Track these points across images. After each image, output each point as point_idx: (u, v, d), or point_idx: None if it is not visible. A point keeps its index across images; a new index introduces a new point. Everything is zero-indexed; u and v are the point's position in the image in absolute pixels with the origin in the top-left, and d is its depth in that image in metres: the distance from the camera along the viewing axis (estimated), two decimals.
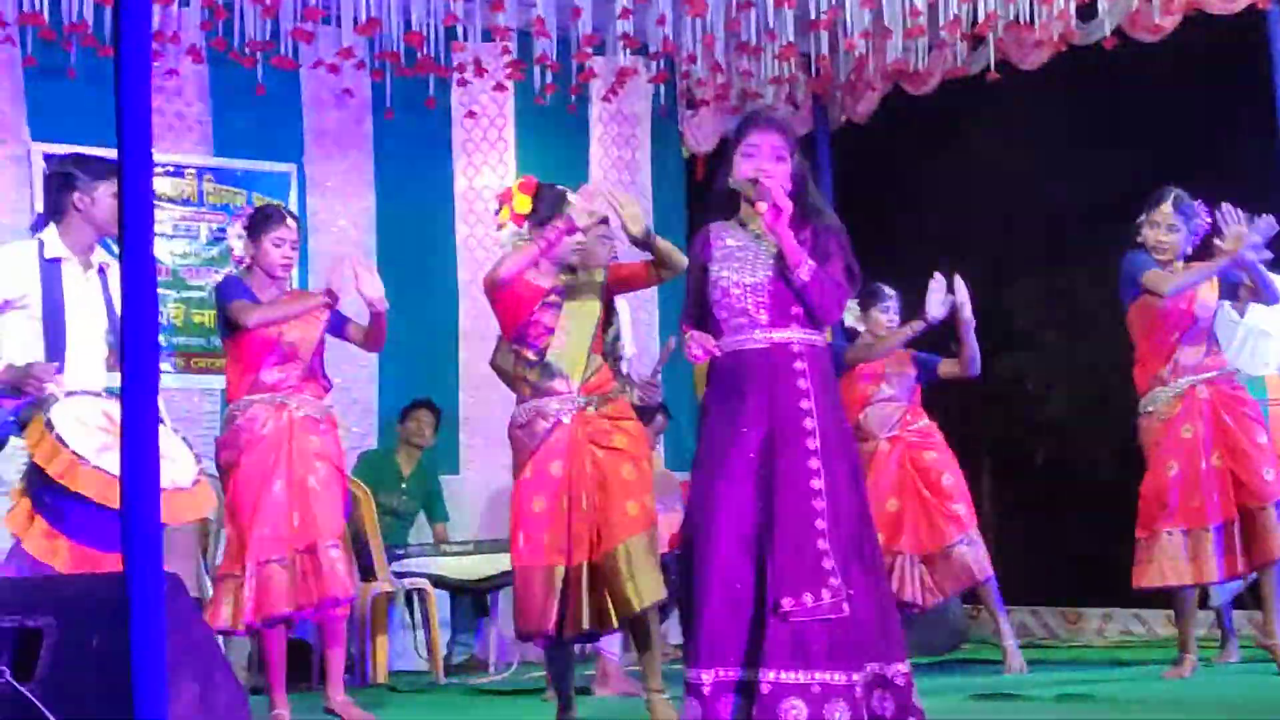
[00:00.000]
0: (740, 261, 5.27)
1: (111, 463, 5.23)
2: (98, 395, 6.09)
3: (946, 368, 8.63)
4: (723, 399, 5.20)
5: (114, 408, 5.08)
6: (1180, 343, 7.40)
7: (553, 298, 6.28)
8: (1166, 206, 7.41)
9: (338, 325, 7.07)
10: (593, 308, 6.34)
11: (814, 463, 5.08)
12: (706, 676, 4.94)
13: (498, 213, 6.59)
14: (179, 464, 6.05)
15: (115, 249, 6.75)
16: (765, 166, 5.25)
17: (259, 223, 6.91)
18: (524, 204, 6.40)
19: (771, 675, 4.90)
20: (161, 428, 5.82)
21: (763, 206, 5.14)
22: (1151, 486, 7.44)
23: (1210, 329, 7.52)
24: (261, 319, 6.69)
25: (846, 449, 5.23)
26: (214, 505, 6.43)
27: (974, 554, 8.32)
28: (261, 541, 6.61)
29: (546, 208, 6.34)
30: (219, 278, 9.49)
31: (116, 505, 4.02)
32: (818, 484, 5.06)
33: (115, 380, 6.04)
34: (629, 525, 6.06)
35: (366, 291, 6.86)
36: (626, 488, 6.11)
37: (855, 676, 4.94)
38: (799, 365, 5.21)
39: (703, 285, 5.32)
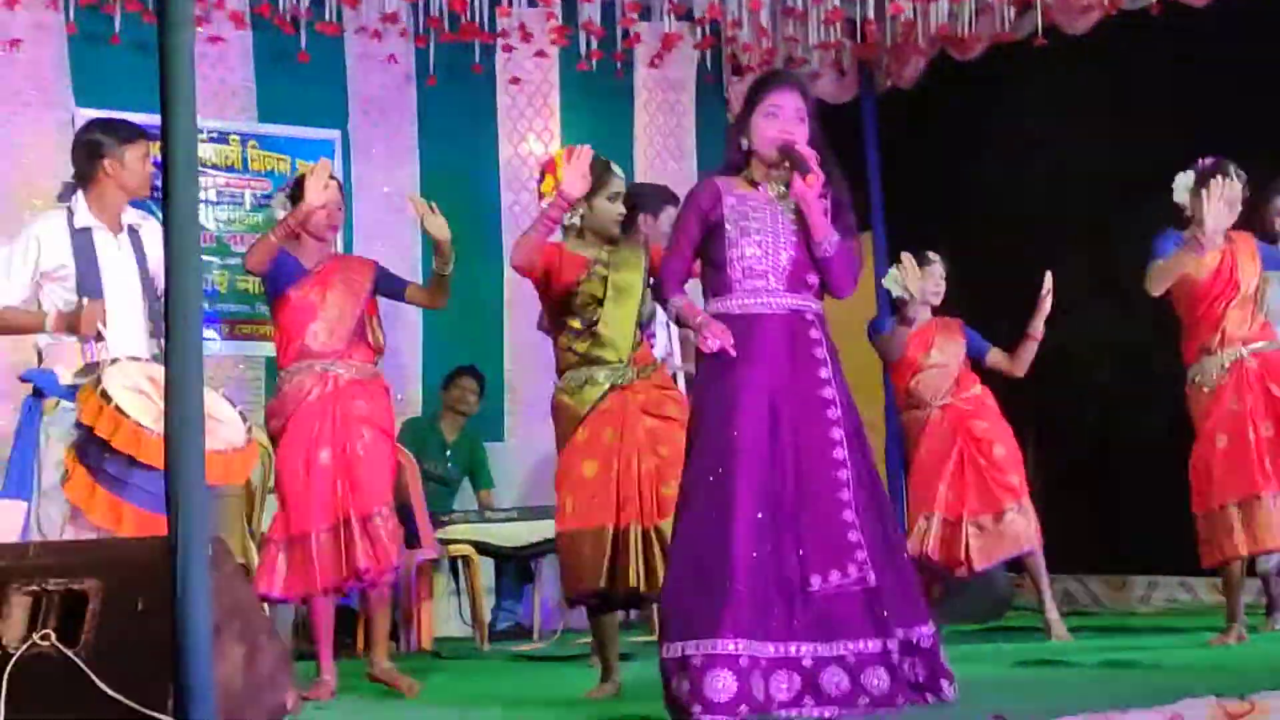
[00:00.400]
0: (760, 226, 5.16)
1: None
2: (143, 361, 6.11)
3: (995, 358, 8.57)
4: (735, 361, 5.05)
5: (160, 373, 5.09)
6: (1226, 313, 7.37)
7: (597, 268, 6.28)
8: (1232, 177, 7.29)
9: (397, 288, 7.09)
10: (636, 280, 6.34)
11: (836, 433, 5.05)
12: (738, 646, 4.77)
13: (540, 181, 6.57)
14: (229, 425, 6.08)
15: (148, 211, 6.85)
16: (790, 128, 5.17)
17: (302, 186, 6.88)
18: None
19: (808, 649, 4.88)
20: (209, 391, 5.90)
21: (801, 175, 5.07)
22: (1201, 460, 7.42)
23: (1256, 297, 7.46)
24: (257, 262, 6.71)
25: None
26: (248, 474, 6.44)
27: (1024, 523, 8.28)
28: (306, 511, 6.63)
29: (592, 178, 6.33)
30: None
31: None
32: (840, 454, 5.03)
33: (157, 346, 6.14)
34: None
35: (431, 230, 6.90)
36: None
37: (889, 643, 4.94)
38: (814, 334, 5.17)
39: (715, 244, 5.18)
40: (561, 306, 6.30)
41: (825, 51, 11.02)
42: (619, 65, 10.69)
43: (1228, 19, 9.64)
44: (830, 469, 5.00)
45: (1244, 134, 7.67)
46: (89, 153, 6.38)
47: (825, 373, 5.10)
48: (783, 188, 5.20)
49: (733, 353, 5.01)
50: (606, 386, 6.22)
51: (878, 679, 4.90)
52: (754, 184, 5.26)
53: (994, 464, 8.34)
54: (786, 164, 5.14)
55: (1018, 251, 10.70)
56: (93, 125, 6.59)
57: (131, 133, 6.40)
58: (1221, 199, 7.23)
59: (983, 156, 11.27)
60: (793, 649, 4.88)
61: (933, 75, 11.01)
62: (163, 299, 3.84)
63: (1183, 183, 7.44)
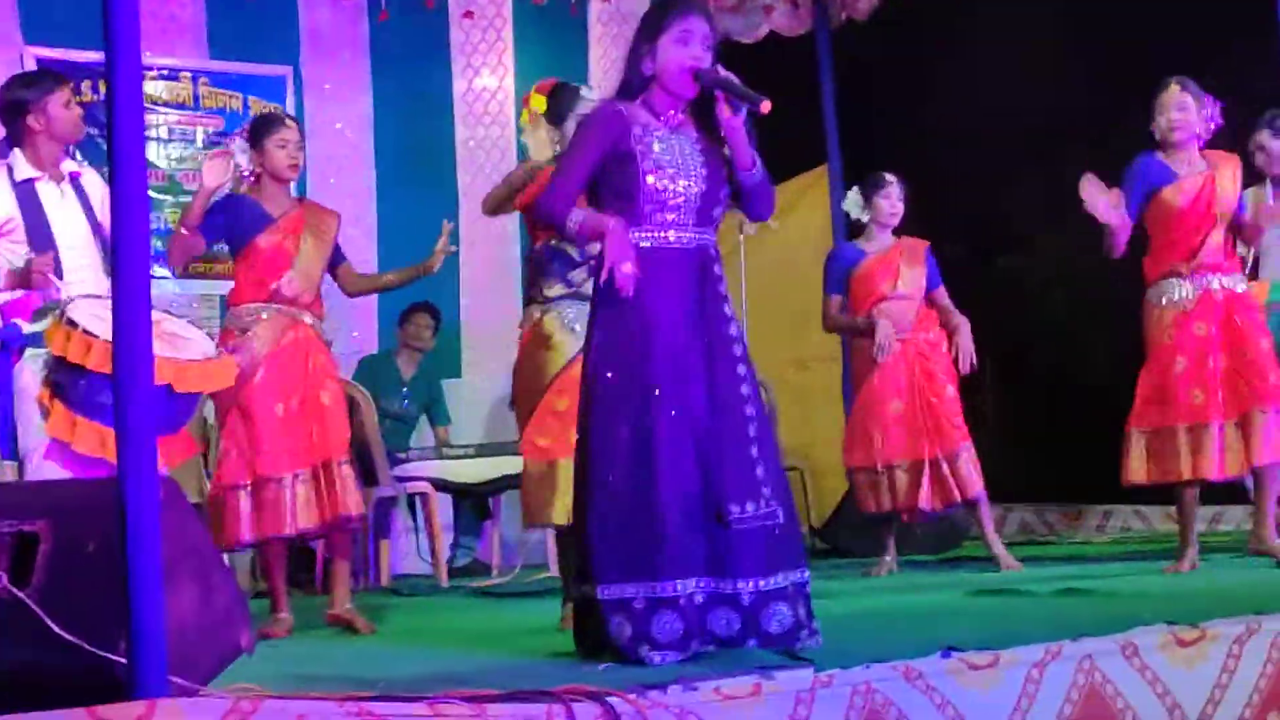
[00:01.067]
0: (670, 159, 4.98)
1: None
2: (104, 298, 6.09)
3: (940, 299, 8.47)
4: (645, 295, 4.90)
5: None
6: (1203, 242, 7.38)
7: None
8: (1173, 86, 7.41)
9: (335, 259, 7.07)
10: None
11: (742, 369, 4.95)
12: (682, 586, 4.75)
13: (518, 117, 6.59)
14: (198, 341, 6.07)
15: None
16: (699, 54, 4.98)
17: (259, 129, 6.88)
18: (540, 103, 6.41)
19: (744, 585, 4.87)
20: (172, 318, 5.88)
21: (735, 104, 4.98)
22: (1154, 379, 7.42)
23: (1230, 226, 7.48)
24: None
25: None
26: (232, 378, 6.36)
27: (974, 464, 8.24)
28: (279, 455, 6.63)
29: (564, 105, 6.34)
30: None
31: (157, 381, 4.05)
32: (747, 390, 4.94)
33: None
34: None
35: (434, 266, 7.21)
36: None
37: (805, 574, 4.93)
38: (718, 270, 5.05)
39: (622, 174, 4.96)
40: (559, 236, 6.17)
41: None
42: None
43: None
44: (739, 405, 4.93)
45: (1198, 61, 7.67)
46: (12, 112, 6.38)
47: (729, 309, 5.01)
48: (682, 115, 5.11)
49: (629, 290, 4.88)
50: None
51: (801, 610, 4.90)
52: (655, 113, 5.08)
53: (945, 403, 8.28)
54: (706, 91, 5.02)
55: (972, 180, 10.71)
56: (11, 83, 6.56)
57: (49, 82, 6.40)
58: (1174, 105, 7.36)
59: (937, 87, 11.27)
60: (728, 586, 4.84)
61: (888, 7, 10.98)
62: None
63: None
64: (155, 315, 4.15)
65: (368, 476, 8.64)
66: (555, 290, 6.43)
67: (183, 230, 6.66)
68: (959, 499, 8.19)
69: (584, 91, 6.52)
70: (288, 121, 6.92)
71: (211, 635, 4.05)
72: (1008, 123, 10.87)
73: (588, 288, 6.00)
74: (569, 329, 6.35)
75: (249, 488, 6.62)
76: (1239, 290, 7.44)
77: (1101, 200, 7.21)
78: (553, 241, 6.42)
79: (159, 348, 4.43)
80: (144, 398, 3.64)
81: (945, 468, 8.19)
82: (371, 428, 8.77)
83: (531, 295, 6.58)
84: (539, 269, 6.55)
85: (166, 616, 3.63)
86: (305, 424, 6.69)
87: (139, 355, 3.66)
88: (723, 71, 5.00)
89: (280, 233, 6.82)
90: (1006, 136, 10.78)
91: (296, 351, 6.75)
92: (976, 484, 8.17)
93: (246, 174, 6.87)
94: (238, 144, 6.97)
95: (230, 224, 6.78)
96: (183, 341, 5.92)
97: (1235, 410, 7.30)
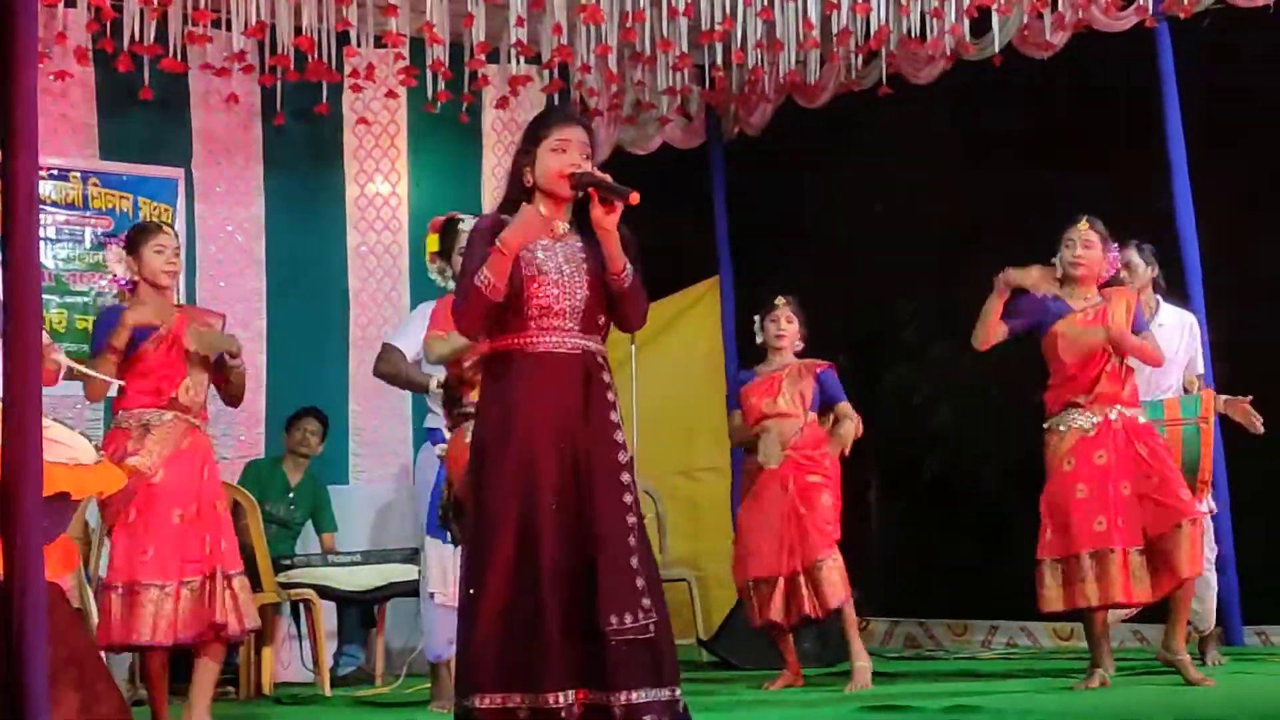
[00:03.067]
0: (554, 265, 5.01)
1: None
2: None
3: (842, 412, 8.51)
4: (524, 396, 4.95)
5: None
6: (1100, 374, 7.45)
7: None
8: (1083, 224, 7.53)
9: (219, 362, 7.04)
10: None
11: (625, 477, 4.93)
12: (564, 698, 4.74)
13: (410, 224, 6.60)
14: (77, 448, 5.98)
15: None
16: (576, 161, 5.05)
17: (135, 237, 6.89)
18: (432, 242, 6.43)
19: (623, 697, 4.78)
20: (53, 422, 5.78)
21: (607, 200, 4.99)
22: (1057, 506, 7.42)
23: (1127, 362, 7.54)
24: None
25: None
26: (122, 483, 6.27)
27: (838, 575, 8.20)
28: (169, 560, 6.55)
29: (449, 240, 6.37)
30: (104, 284, 9.41)
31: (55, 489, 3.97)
32: (629, 499, 4.93)
33: None
34: None
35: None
36: None
37: (677, 691, 4.88)
38: (606, 376, 5.05)
39: (510, 282, 4.95)
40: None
41: (673, 97, 11.06)
42: (466, 107, 10.66)
43: (1069, 69, 9.82)
44: (621, 514, 4.91)
45: (1086, 182, 7.80)
46: None
47: (615, 416, 5.01)
48: (566, 225, 5.14)
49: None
50: None
51: None
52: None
53: (816, 512, 8.27)
54: (581, 195, 5.03)
55: (862, 293, 10.80)
56: None
57: None
58: (1079, 243, 7.47)
59: (830, 202, 11.39)
60: (558, 698, 4.78)
61: (780, 122, 11.10)
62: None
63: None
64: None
65: (251, 582, 8.54)
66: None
67: (99, 375, 6.63)
68: (818, 613, 8.15)
69: (462, 224, 6.54)
70: (165, 229, 6.94)
71: None
72: (898, 236, 11.00)
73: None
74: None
75: (126, 590, 6.52)
76: (1140, 421, 7.50)
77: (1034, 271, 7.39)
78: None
79: (50, 453, 4.36)
80: (33, 499, 3.58)
81: (803, 581, 8.17)
82: (256, 533, 8.67)
83: (463, 412, 6.51)
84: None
85: None
86: (200, 532, 6.64)
87: (29, 453, 3.60)
88: (597, 172, 5.03)
89: (168, 344, 6.79)
90: (896, 249, 10.90)
91: (194, 458, 6.73)
92: (838, 595, 8.13)
93: (124, 283, 6.84)
94: (114, 252, 6.94)
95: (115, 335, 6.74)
96: (58, 447, 5.84)
97: (1141, 537, 7.32)
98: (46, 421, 5.73)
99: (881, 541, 9.46)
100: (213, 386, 7.01)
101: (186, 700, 6.75)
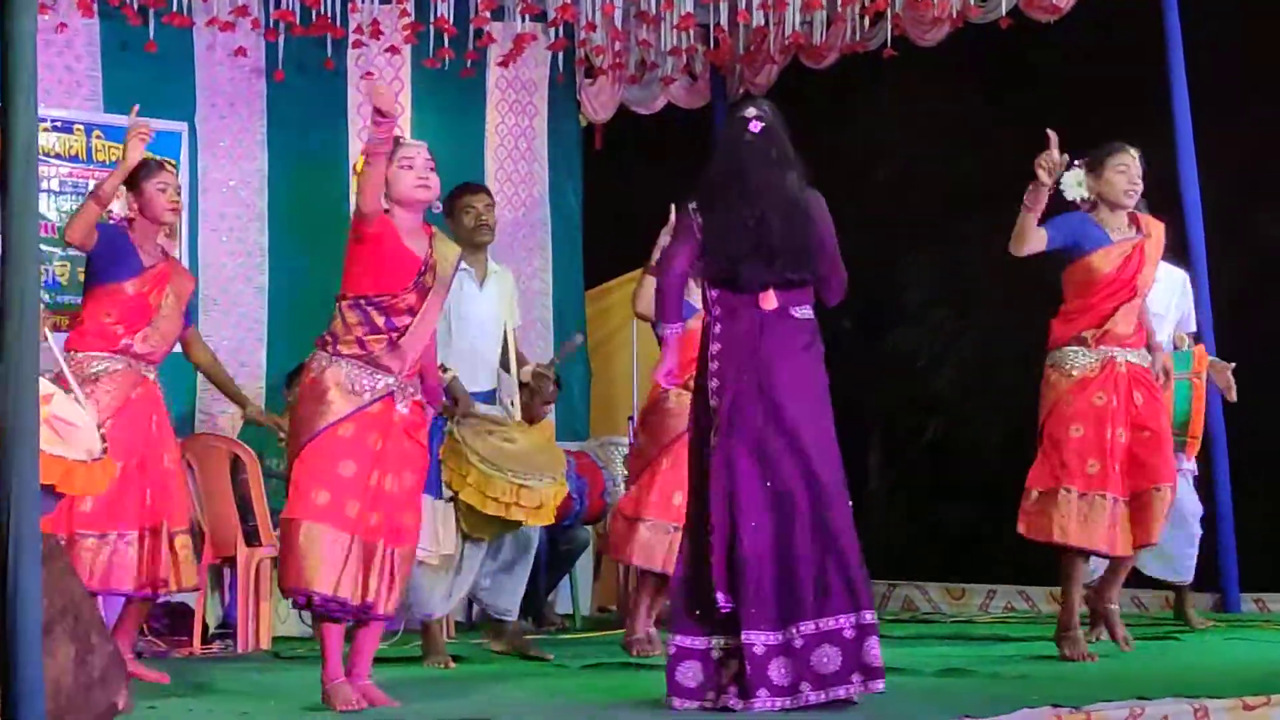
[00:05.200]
0: None
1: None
2: None
3: None
4: None
5: None
6: (1116, 311, 7.31)
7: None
8: (1133, 150, 7.30)
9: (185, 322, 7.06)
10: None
11: None
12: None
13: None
14: (86, 431, 5.88)
15: None
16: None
17: (137, 173, 6.80)
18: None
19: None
20: (61, 394, 5.71)
21: None
22: (1051, 440, 7.29)
23: (1143, 305, 7.43)
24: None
25: None
26: (105, 485, 6.18)
27: None
28: (109, 511, 6.57)
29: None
30: None
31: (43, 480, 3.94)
32: None
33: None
34: None
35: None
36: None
37: None
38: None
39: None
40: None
41: (678, 57, 11.04)
42: (470, 64, 10.63)
43: (1075, 32, 9.79)
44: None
45: (1092, 145, 7.74)
46: None
47: None
48: None
49: None
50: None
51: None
52: None
53: None
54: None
55: (865, 256, 10.76)
56: None
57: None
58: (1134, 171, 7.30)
59: (833, 162, 11.35)
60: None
61: (785, 83, 11.07)
62: None
63: (1072, 178, 7.38)
64: (45, 388, 4.09)
65: (250, 536, 8.56)
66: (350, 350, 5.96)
67: (94, 205, 6.58)
68: None
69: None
70: (166, 167, 6.93)
71: (88, 695, 3.99)
72: (899, 198, 10.98)
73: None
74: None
75: (65, 541, 6.34)
76: (1143, 366, 7.38)
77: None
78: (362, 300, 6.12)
79: (47, 438, 4.23)
80: (30, 451, 3.59)
81: None
82: (256, 487, 8.67)
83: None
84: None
85: (43, 676, 3.57)
86: (140, 485, 6.63)
87: (25, 406, 3.61)
88: None
89: (148, 285, 6.79)
90: (901, 212, 10.88)
91: (143, 409, 6.71)
92: None
93: (119, 218, 6.81)
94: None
95: (103, 254, 6.73)
96: (69, 429, 5.65)
97: (1129, 488, 7.27)
98: (53, 390, 5.67)
99: (880, 504, 9.46)
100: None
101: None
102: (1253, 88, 10.22)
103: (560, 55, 11.04)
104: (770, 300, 5.61)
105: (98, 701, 4.04)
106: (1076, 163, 7.23)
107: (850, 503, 5.45)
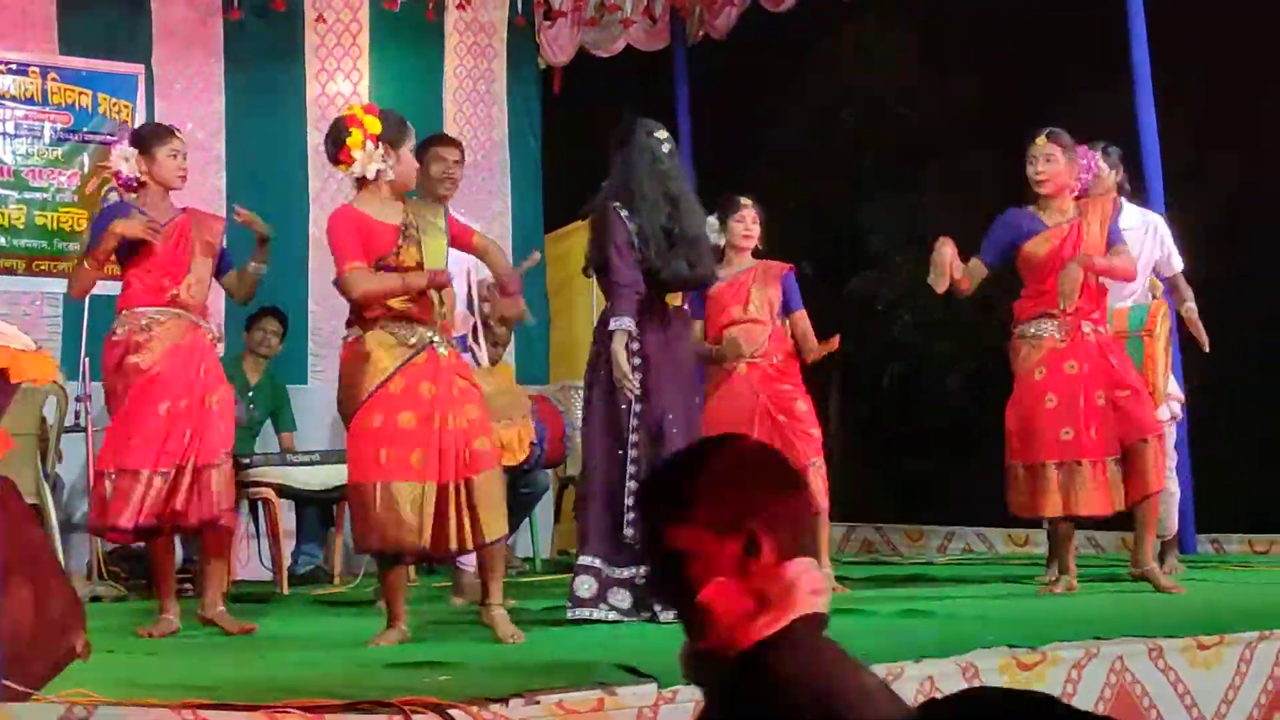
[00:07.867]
0: None
1: None
2: None
3: (799, 325, 8.36)
4: None
5: None
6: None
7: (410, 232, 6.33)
8: (1040, 139, 7.43)
9: (225, 266, 7.18)
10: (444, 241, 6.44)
11: None
12: None
13: (347, 138, 6.36)
14: (10, 334, 5.95)
15: None
16: None
17: (149, 138, 6.98)
18: (375, 125, 6.31)
19: None
20: None
21: None
22: (1025, 414, 7.40)
23: (1101, 280, 7.49)
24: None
25: None
26: (52, 376, 6.26)
27: (820, 482, 8.14)
28: (148, 452, 6.65)
29: (392, 130, 6.28)
30: (63, 180, 9.41)
31: None
32: None
33: None
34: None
35: (261, 230, 7.16)
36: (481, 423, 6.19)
37: None
38: None
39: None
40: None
41: None
42: (429, 6, 10.58)
43: None
44: None
45: (1050, 88, 7.77)
46: None
47: None
48: None
49: None
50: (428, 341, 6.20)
51: None
52: None
53: (795, 419, 8.15)
54: None
55: (826, 200, 10.78)
56: None
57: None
58: (1041, 159, 7.39)
59: (792, 107, 11.34)
60: None
61: (745, 26, 11.03)
62: None
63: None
64: None
65: None
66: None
67: (87, 265, 6.89)
68: None
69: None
70: (176, 132, 7.04)
71: (45, 640, 3.98)
72: (861, 143, 10.97)
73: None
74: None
75: (117, 476, 6.65)
76: (1106, 331, 7.47)
77: (955, 264, 7.30)
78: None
79: None
80: None
81: None
82: None
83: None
84: None
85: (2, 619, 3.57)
86: (184, 426, 6.72)
87: None
88: None
89: (175, 241, 6.89)
90: (860, 158, 10.87)
91: (192, 355, 6.84)
92: (822, 499, 8.08)
93: (127, 178, 6.88)
94: (121, 150, 6.97)
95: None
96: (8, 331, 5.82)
97: (1114, 447, 7.33)
98: None
99: (839, 447, 9.47)
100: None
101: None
102: (1212, 27, 10.21)
103: None
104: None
105: (56, 645, 4.04)
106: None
107: None
